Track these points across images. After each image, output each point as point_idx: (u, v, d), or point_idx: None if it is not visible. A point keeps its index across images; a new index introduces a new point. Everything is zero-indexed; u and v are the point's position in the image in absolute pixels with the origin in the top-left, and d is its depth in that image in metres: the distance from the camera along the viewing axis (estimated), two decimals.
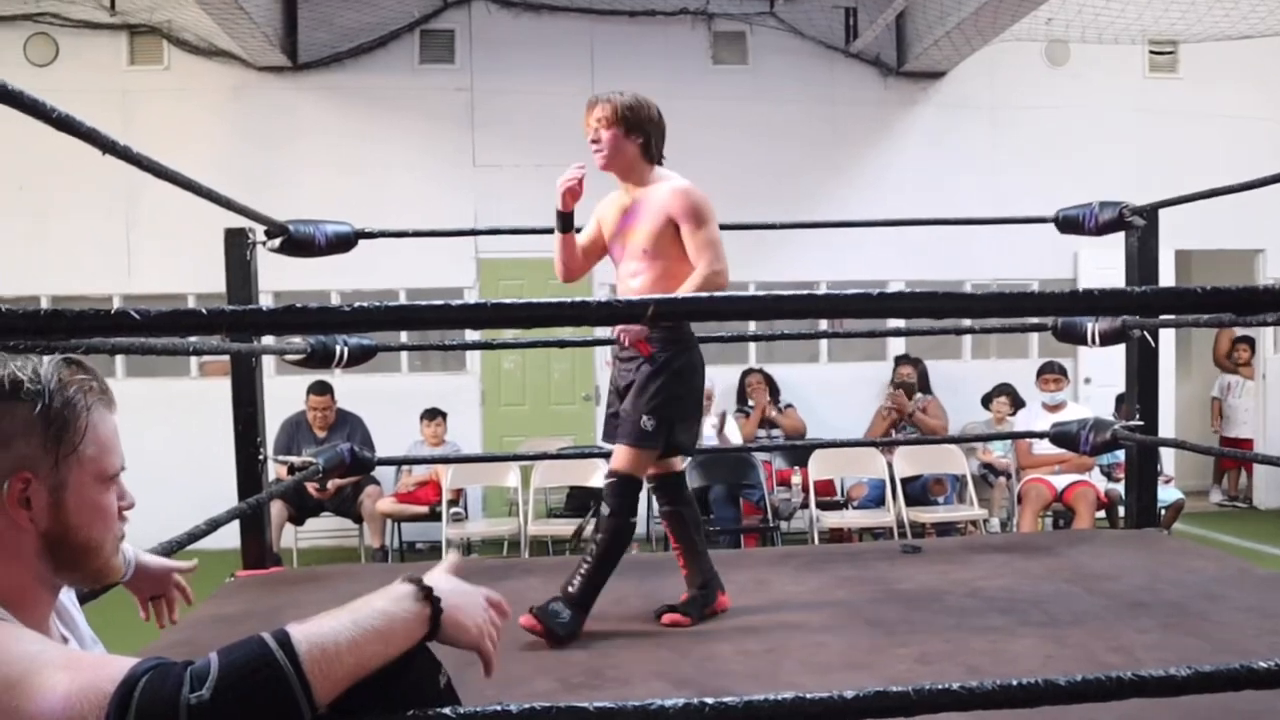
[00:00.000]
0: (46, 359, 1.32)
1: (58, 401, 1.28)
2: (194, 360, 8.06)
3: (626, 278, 3.26)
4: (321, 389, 6.93)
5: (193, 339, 2.96)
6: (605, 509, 3.25)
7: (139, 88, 7.77)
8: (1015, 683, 1.33)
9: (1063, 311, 1.21)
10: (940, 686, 1.30)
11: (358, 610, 1.22)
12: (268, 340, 4.12)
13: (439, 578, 1.29)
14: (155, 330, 1.24)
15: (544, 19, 8.03)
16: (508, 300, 1.15)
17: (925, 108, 8.41)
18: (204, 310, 1.26)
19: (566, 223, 3.26)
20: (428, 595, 1.25)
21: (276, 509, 6.12)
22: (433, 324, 1.31)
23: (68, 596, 1.51)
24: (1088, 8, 7.16)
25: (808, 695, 1.27)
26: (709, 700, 1.26)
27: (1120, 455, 6.40)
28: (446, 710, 1.29)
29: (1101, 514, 6.58)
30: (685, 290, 3.11)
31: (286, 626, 1.19)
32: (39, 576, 1.33)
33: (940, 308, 1.24)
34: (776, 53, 8.25)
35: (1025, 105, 8.39)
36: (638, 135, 3.18)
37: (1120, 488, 6.45)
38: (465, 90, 8.04)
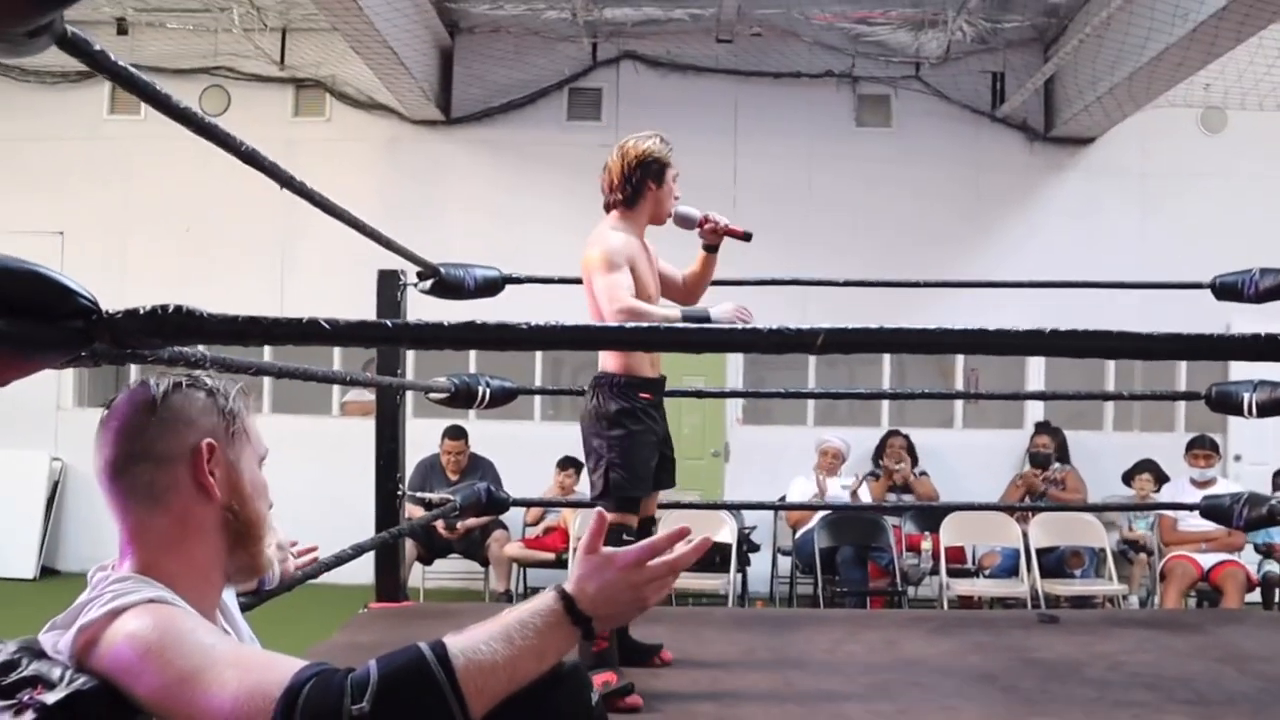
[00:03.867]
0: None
1: (223, 392, 1.45)
2: (335, 399, 8.34)
3: None
4: (457, 434, 7.08)
5: (339, 369, 3.08)
6: None
7: (302, 138, 8.17)
8: None
9: (1253, 355, 1.14)
10: None
11: (510, 625, 1.25)
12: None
13: (586, 574, 1.30)
14: (342, 339, 1.31)
15: (689, 79, 8.16)
16: (680, 324, 1.19)
17: (1072, 174, 8.23)
18: (389, 323, 1.33)
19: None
20: (578, 619, 1.27)
21: (408, 547, 6.24)
22: (608, 344, 1.34)
23: (228, 595, 1.59)
24: (1248, 74, 6.94)
25: None
26: None
27: (1277, 535, 6.14)
28: None
29: (1254, 597, 6.24)
30: None
31: (444, 638, 1.23)
32: (216, 556, 1.42)
33: (1116, 347, 1.22)
34: (921, 116, 8.21)
35: (1178, 173, 8.13)
36: None
37: (1278, 568, 6.16)
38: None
